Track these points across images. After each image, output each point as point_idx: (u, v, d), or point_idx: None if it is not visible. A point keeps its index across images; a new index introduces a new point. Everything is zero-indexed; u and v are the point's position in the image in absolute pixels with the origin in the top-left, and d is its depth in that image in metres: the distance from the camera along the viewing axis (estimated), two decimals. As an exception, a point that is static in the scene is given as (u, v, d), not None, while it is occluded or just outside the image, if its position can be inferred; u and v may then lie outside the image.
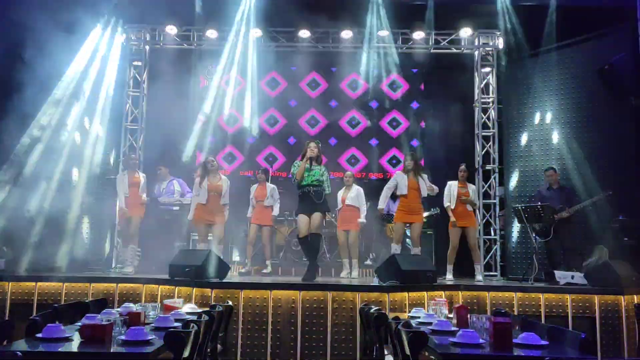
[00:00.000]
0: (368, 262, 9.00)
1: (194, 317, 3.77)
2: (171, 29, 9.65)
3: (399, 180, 7.45)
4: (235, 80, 9.76)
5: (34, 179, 7.99)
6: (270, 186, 8.43)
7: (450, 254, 7.67)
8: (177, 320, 3.82)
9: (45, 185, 8.08)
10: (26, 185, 7.86)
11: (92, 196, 8.45)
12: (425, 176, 7.55)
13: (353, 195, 8.02)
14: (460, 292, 6.42)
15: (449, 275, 7.53)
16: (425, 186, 7.41)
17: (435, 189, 7.52)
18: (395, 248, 7.35)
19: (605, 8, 8.16)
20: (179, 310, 4.28)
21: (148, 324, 3.77)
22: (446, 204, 7.78)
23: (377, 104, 10.67)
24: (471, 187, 7.95)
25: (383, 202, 7.59)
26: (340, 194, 8.19)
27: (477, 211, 9.00)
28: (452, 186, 7.80)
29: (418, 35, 9.61)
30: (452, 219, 7.64)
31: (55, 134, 8.30)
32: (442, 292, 6.25)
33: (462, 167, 7.87)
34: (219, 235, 7.56)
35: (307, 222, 6.68)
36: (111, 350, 3.03)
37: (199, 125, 9.55)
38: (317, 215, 6.67)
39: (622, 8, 8.00)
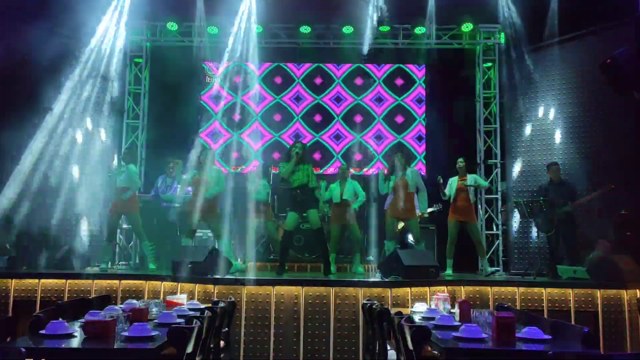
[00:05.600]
0: (370, 257, 8.99)
1: (197, 313, 3.78)
2: (172, 26, 9.64)
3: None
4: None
5: (36, 177, 8.04)
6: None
7: (448, 247, 7.64)
8: (180, 317, 3.83)
9: (46, 182, 8.13)
10: (29, 183, 7.90)
11: (95, 193, 8.49)
12: (414, 170, 7.53)
13: (349, 189, 7.83)
14: (462, 287, 6.42)
15: (449, 270, 7.50)
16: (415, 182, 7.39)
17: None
18: (388, 245, 7.34)
19: (608, 1, 8.11)
20: (182, 306, 4.29)
21: (151, 320, 3.78)
22: (447, 193, 7.83)
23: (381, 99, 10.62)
24: (471, 176, 7.88)
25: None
26: (335, 187, 7.82)
27: (480, 206, 9.00)
28: (452, 182, 7.83)
29: (419, 30, 9.59)
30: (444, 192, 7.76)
31: (58, 131, 8.35)
32: (445, 287, 6.26)
33: (459, 160, 7.89)
34: (216, 230, 7.33)
35: (296, 219, 7.18)
36: (114, 347, 3.04)
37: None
38: (313, 212, 7.16)
39: (625, 1, 7.96)
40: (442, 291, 6.03)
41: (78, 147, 8.64)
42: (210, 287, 5.89)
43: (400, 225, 7.98)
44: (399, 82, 10.56)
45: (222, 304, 4.35)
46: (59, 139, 8.32)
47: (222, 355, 4.53)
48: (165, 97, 9.72)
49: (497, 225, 9.20)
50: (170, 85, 9.66)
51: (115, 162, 9.05)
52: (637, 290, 6.23)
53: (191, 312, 4.02)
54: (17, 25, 7.92)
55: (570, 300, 6.19)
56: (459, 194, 7.72)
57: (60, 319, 3.38)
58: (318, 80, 10.59)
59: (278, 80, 10.58)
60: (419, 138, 10.38)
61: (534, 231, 7.69)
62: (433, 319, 3.91)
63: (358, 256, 7.75)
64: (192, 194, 7.29)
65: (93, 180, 8.62)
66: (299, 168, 7.09)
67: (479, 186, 8.02)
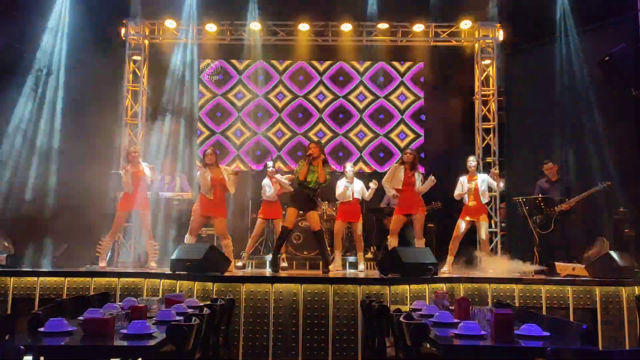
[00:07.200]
0: (369, 255, 9.00)
1: (196, 311, 3.79)
2: (170, 23, 9.63)
3: (396, 173, 7.35)
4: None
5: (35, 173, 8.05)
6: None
7: (451, 245, 7.59)
8: (179, 314, 3.83)
9: (47, 179, 8.14)
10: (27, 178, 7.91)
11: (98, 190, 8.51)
12: (420, 173, 7.54)
13: (358, 188, 7.86)
14: (461, 284, 6.42)
15: (446, 267, 7.43)
16: (421, 182, 7.37)
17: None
18: (390, 240, 7.33)
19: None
20: (180, 304, 4.29)
21: (150, 317, 3.78)
22: (456, 194, 7.70)
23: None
24: (480, 177, 7.70)
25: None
26: (342, 185, 7.82)
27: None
28: (462, 181, 7.67)
29: (418, 27, 9.59)
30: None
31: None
32: (443, 285, 6.26)
33: (470, 158, 7.75)
34: (221, 229, 7.31)
35: (296, 215, 7.02)
36: (114, 344, 3.04)
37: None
38: (314, 214, 7.05)
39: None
40: (441, 288, 6.03)
41: (78, 145, 8.64)
42: (209, 284, 5.88)
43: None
44: (397, 79, 10.56)
45: (221, 302, 4.35)
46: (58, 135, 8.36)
47: (221, 353, 4.53)
48: (164, 95, 9.70)
49: (495, 223, 9.20)
50: (168, 83, 9.64)
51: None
52: (636, 287, 6.24)
53: (190, 310, 4.02)
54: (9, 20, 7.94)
55: (568, 297, 6.19)
56: (468, 194, 7.58)
57: (59, 317, 3.38)
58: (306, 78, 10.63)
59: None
60: (417, 135, 10.39)
61: (533, 229, 7.68)
62: (432, 316, 3.91)
63: (360, 255, 7.76)
64: (207, 193, 7.14)
65: (93, 178, 8.61)
66: (312, 169, 6.93)
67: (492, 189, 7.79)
